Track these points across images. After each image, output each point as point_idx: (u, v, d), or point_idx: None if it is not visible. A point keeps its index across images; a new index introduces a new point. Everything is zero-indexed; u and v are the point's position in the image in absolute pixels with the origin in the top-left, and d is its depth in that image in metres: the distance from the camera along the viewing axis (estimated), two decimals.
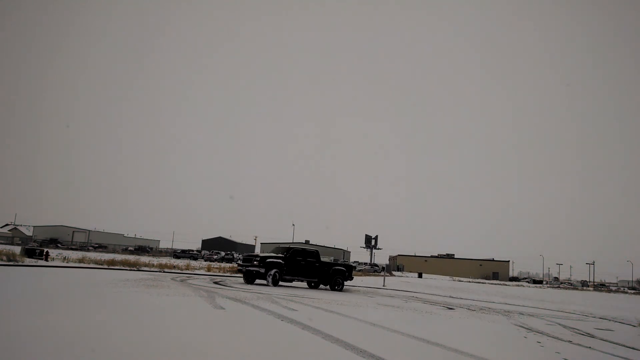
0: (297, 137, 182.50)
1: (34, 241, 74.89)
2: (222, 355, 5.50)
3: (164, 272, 24.25)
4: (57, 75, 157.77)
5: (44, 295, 10.40)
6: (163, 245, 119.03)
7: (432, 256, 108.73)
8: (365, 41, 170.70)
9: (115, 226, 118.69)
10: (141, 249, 76.09)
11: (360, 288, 24.22)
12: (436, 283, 46.32)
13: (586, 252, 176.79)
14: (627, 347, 9.15)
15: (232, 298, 11.98)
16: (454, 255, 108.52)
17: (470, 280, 74.27)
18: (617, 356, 7.87)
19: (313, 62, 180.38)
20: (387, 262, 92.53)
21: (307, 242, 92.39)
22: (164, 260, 40.88)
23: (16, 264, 20.69)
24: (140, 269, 24.85)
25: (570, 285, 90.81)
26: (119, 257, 37.97)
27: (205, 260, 56.69)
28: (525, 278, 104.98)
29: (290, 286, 20.03)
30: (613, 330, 12.30)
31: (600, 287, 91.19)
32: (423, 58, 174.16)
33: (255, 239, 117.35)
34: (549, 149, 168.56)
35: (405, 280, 46.59)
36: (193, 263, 41.50)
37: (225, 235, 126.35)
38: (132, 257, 39.78)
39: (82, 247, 72.76)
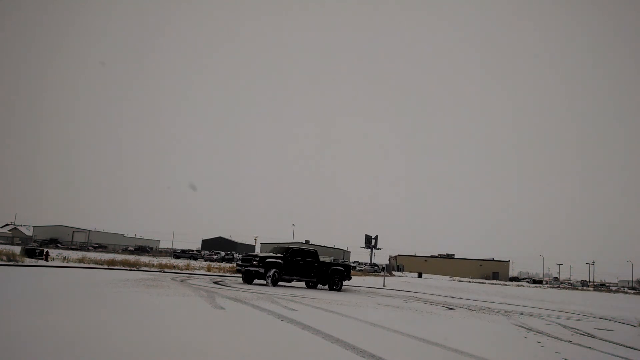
0: (297, 137, 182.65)
1: (34, 241, 74.89)
2: (222, 355, 5.50)
3: (164, 272, 24.25)
4: (57, 75, 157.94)
5: (44, 295, 10.40)
6: (163, 245, 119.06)
7: (432, 256, 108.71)
8: (365, 41, 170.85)
9: (115, 226, 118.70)
10: (141, 249, 76.08)
11: (360, 288, 24.22)
12: (436, 283, 46.32)
13: (586, 252, 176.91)
14: (627, 347, 9.15)
15: (232, 298, 11.98)
16: (454, 255, 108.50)
17: (470, 280, 74.26)
18: (617, 356, 7.87)
19: (313, 62, 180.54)
20: (387, 262, 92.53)
21: (307, 242, 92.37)
22: (164, 260, 40.88)
23: (16, 264, 20.68)
24: (140, 269, 24.85)
25: (570, 285, 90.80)
26: (119, 257, 37.97)
27: (205, 260, 56.68)
28: (525, 278, 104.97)
29: (290, 286, 20.03)
30: (613, 330, 12.30)
31: (600, 287, 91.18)
32: (423, 58, 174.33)
33: (255, 239, 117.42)
34: (549, 149, 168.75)
35: (405, 280, 46.59)
36: (193, 263, 41.50)
37: (225, 235, 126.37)
38: (132, 257, 39.78)
39: (82, 247, 72.75)
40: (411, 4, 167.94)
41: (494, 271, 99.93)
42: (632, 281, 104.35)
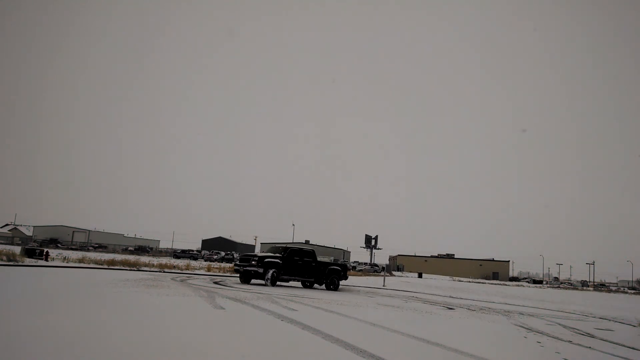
0: (297, 137, 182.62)
1: (34, 241, 74.90)
2: (222, 355, 5.50)
3: (164, 272, 24.25)
4: (57, 75, 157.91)
5: (44, 295, 10.40)
6: (163, 245, 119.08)
7: (432, 256, 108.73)
8: (365, 41, 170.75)
9: (115, 226, 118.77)
10: (141, 249, 76.09)
11: (360, 288, 24.22)
12: (436, 283, 46.33)
13: (586, 252, 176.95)
14: (627, 347, 9.14)
15: (232, 298, 11.98)
16: (454, 255, 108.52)
17: (470, 280, 74.28)
18: (617, 356, 7.87)
19: (313, 62, 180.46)
20: (387, 262, 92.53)
21: (307, 242, 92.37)
22: (164, 260, 40.88)
23: (16, 264, 20.69)
24: (140, 269, 24.86)
25: (570, 285, 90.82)
26: (119, 257, 37.97)
27: (205, 261, 56.68)
28: (525, 278, 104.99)
29: (289, 286, 20.04)
30: (613, 330, 12.30)
31: (600, 287, 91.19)
32: (423, 58, 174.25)
33: (255, 239, 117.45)
34: (549, 149, 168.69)
35: (405, 280, 46.59)
36: (193, 263, 41.50)
37: (225, 235, 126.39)
38: (132, 257, 39.78)
39: (82, 247, 72.76)
40: (411, 4, 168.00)
41: (494, 271, 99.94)
42: (632, 281, 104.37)
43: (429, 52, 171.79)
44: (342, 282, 22.64)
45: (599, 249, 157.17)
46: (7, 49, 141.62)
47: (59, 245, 71.73)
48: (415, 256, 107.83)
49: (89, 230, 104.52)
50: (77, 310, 8.25)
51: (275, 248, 21.25)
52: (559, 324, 12.65)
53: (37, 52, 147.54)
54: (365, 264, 64.76)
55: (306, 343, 6.58)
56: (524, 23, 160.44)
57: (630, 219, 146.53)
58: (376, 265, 62.33)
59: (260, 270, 18.70)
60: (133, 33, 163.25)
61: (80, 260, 26.32)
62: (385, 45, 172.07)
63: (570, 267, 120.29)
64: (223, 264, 43.69)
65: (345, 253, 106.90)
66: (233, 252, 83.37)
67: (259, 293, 14.27)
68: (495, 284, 67.44)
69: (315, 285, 21.59)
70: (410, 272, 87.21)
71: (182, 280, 18.05)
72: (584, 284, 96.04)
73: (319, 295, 15.95)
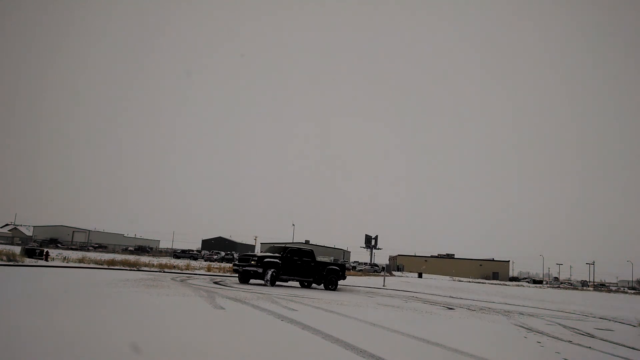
0: (297, 137, 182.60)
1: (34, 241, 74.89)
2: (222, 355, 5.50)
3: (164, 272, 24.25)
4: (57, 75, 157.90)
5: (44, 295, 10.40)
6: (163, 245, 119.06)
7: (432, 256, 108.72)
8: (365, 41, 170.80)
9: (115, 226, 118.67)
10: (141, 249, 76.09)
11: (360, 288, 24.22)
12: (436, 283, 46.33)
13: (586, 252, 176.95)
14: (627, 347, 9.14)
15: (232, 298, 11.98)
16: (454, 255, 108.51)
17: (470, 280, 74.27)
18: (617, 356, 7.87)
19: (313, 62, 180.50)
20: (387, 262, 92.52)
21: (307, 242, 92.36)
22: (164, 260, 40.88)
23: (16, 264, 20.69)
24: (140, 269, 24.86)
25: (570, 285, 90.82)
26: (119, 257, 37.97)
27: (205, 261, 56.68)
28: (525, 278, 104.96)
29: (288, 286, 20.04)
30: (613, 330, 12.30)
31: (600, 287, 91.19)
32: (423, 58, 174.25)
33: (255, 239, 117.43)
34: (549, 149, 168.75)
35: (405, 280, 46.59)
36: (193, 263, 41.51)
37: (225, 235, 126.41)
38: (132, 257, 39.78)
39: (82, 247, 72.76)
40: (411, 4, 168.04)
41: (494, 271, 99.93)
42: (632, 281, 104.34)
43: (429, 52, 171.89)
44: (341, 282, 22.66)
45: (599, 249, 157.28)
46: (7, 49, 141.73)
47: (59, 245, 71.74)
48: (415, 256, 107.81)
49: (89, 230, 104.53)
50: (77, 310, 8.25)
51: (274, 248, 21.25)
52: (559, 324, 12.65)
53: (37, 52, 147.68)
54: (365, 264, 64.76)
55: (306, 343, 6.57)
56: (524, 23, 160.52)
57: (630, 219, 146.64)
58: (376, 265, 62.34)
59: (260, 270, 18.70)
60: (133, 33, 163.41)
61: (80, 260, 26.32)
62: (385, 45, 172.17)
63: (570, 267, 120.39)
64: (223, 264, 43.68)
65: (345, 253, 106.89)
66: (233, 252, 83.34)
67: (258, 293, 14.27)
68: (495, 284, 67.44)
69: (314, 285, 21.59)
70: (410, 272, 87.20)
71: (182, 280, 18.05)
72: (584, 284, 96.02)
73: (319, 295, 15.94)
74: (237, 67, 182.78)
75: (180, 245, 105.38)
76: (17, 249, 29.05)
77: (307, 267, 20.20)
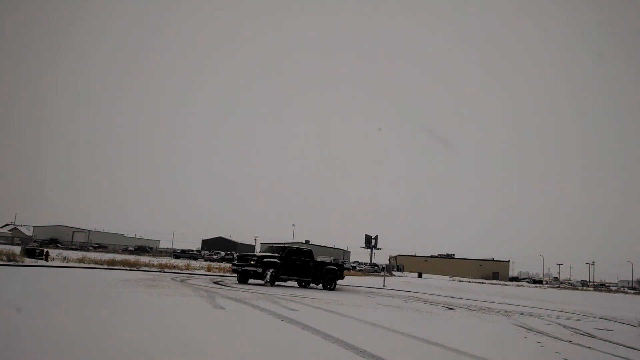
0: (297, 137, 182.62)
1: (34, 241, 74.89)
2: (222, 355, 5.50)
3: (164, 272, 24.26)
4: (57, 75, 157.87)
5: (44, 295, 10.40)
6: (163, 245, 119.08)
7: (432, 256, 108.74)
8: (365, 41, 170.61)
9: (115, 226, 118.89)
10: (141, 249, 76.09)
11: (360, 288, 24.22)
12: (436, 283, 46.34)
13: (586, 252, 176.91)
14: (627, 347, 9.15)
15: (232, 298, 11.98)
16: (454, 255, 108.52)
17: (470, 280, 74.28)
18: (617, 356, 7.87)
19: (313, 62, 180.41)
20: (387, 262, 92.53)
21: (307, 242, 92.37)
22: (164, 260, 40.89)
23: (16, 264, 20.69)
24: (140, 269, 24.86)
25: (570, 285, 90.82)
26: (119, 257, 37.97)
27: (205, 261, 56.69)
28: (525, 278, 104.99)
29: (287, 286, 20.04)
30: (613, 330, 12.30)
31: (600, 287, 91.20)
32: (423, 58, 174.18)
33: (255, 239, 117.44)
34: (549, 149, 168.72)
35: (405, 280, 46.60)
36: (193, 263, 41.51)
37: (225, 235, 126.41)
38: (132, 257, 39.79)
39: (82, 247, 72.76)
40: (411, 4, 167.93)
41: (494, 271, 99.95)
42: (632, 281, 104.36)
43: (429, 52, 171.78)
44: (341, 282, 22.66)
45: (599, 249, 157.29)
46: (7, 49, 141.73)
47: (59, 245, 71.73)
48: (415, 256, 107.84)
49: (89, 230, 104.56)
50: (77, 310, 8.25)
51: (273, 248, 21.23)
52: (559, 324, 12.65)
53: (37, 52, 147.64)
54: (365, 264, 64.78)
55: (306, 343, 6.58)
56: (524, 23, 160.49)
57: (630, 219, 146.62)
58: (376, 265, 62.35)
59: (259, 270, 18.68)
60: (133, 33, 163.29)
61: (80, 260, 26.32)
62: (385, 45, 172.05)
63: (570, 267, 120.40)
64: (223, 264, 43.67)
65: (345, 253, 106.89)
66: (233, 252, 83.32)
67: (258, 293, 14.27)
68: (495, 284, 67.45)
69: (312, 285, 21.58)
70: (410, 272, 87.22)
71: (182, 280, 18.05)
72: (584, 284, 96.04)
73: (319, 295, 15.95)
74: (237, 67, 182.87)
75: (180, 245, 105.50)
76: (17, 249, 29.05)
77: (306, 267, 20.20)
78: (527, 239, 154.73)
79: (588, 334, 10.92)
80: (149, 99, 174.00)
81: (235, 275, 23.31)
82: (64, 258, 28.01)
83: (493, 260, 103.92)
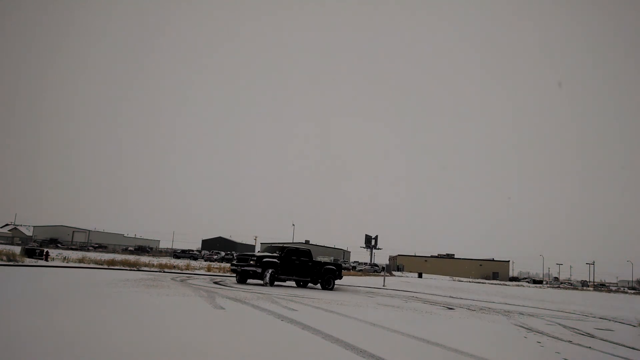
0: (297, 137, 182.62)
1: (34, 241, 74.89)
2: (222, 355, 5.50)
3: (164, 272, 24.25)
4: (57, 75, 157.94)
5: (44, 295, 10.40)
6: (163, 245, 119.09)
7: (432, 256, 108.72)
8: (365, 41, 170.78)
9: (115, 226, 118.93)
10: (141, 249, 76.09)
11: (360, 288, 24.22)
12: (436, 283, 46.33)
13: (586, 252, 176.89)
14: (627, 347, 9.15)
15: (232, 298, 11.98)
16: (454, 255, 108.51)
17: (470, 280, 74.28)
18: (617, 356, 7.87)
19: (313, 62, 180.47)
20: (387, 262, 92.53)
21: (307, 242, 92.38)
22: (164, 260, 40.88)
23: (16, 264, 20.69)
24: (140, 269, 24.86)
25: (570, 285, 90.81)
26: (119, 257, 37.97)
27: (205, 261, 56.68)
28: (525, 278, 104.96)
29: (287, 286, 20.04)
30: (613, 330, 12.30)
31: (600, 287, 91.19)
32: (423, 58, 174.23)
33: (255, 239, 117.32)
34: (549, 149, 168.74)
35: (405, 280, 46.60)
36: (193, 263, 41.51)
37: (225, 235, 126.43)
38: (132, 257, 39.78)
39: (82, 247, 72.75)
40: (411, 4, 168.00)
41: (494, 271, 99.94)
42: (632, 281, 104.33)
43: (429, 52, 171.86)
44: (341, 282, 22.66)
45: (599, 249, 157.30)
46: (7, 49, 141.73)
47: (59, 245, 71.73)
48: (415, 256, 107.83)
49: (89, 230, 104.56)
50: (77, 310, 8.25)
51: (271, 247, 21.21)
52: (559, 324, 12.65)
53: (37, 52, 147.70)
54: (365, 264, 64.77)
55: (306, 343, 6.58)
56: (524, 23, 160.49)
57: (630, 219, 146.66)
58: (376, 265, 62.34)
59: (259, 270, 18.66)
60: (133, 33, 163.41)
61: (80, 260, 26.32)
62: (385, 45, 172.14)
63: (570, 267, 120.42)
64: (223, 264, 43.66)
65: (345, 253, 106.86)
66: (233, 252, 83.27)
67: (258, 293, 14.27)
68: (495, 284, 67.44)
69: (311, 285, 21.57)
70: (410, 272, 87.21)
71: (182, 280, 18.05)
72: (584, 284, 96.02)
73: (319, 295, 15.94)
74: (237, 67, 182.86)
75: (180, 245, 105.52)
76: (17, 249, 29.05)
77: (304, 266, 20.19)
78: (527, 239, 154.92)
79: (588, 334, 10.92)
80: (149, 99, 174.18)
81: (235, 275, 23.33)
82: (64, 258, 28.01)
83: (493, 260, 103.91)
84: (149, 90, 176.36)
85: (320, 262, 21.57)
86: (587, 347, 8.68)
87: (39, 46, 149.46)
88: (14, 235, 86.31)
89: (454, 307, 15.85)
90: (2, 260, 20.99)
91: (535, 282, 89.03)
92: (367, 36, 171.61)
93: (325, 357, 5.84)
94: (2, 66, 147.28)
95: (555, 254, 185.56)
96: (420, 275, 70.03)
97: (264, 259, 18.90)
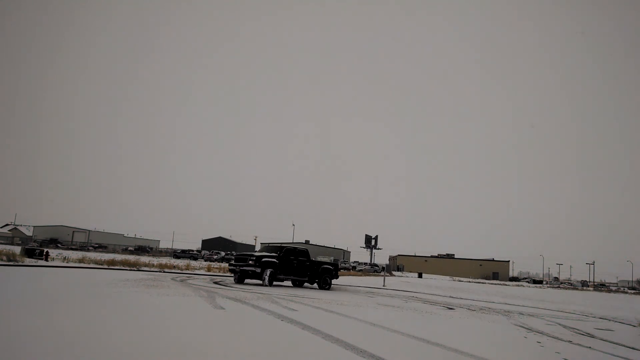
0: (297, 137, 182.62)
1: (34, 241, 74.88)
2: (222, 355, 5.50)
3: (164, 272, 24.25)
4: (57, 75, 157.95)
5: (44, 295, 10.40)
6: (163, 245, 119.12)
7: (432, 256, 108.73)
8: (365, 41, 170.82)
9: (115, 226, 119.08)
10: (141, 249, 76.08)
11: (360, 288, 24.22)
12: (436, 283, 46.33)
13: (586, 252, 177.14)
14: (627, 347, 9.15)
15: (232, 298, 11.98)
16: (454, 255, 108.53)
17: (470, 280, 74.27)
18: (617, 356, 7.87)
19: (313, 62, 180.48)
20: (387, 262, 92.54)
21: (307, 242, 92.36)
22: (164, 260, 40.88)
23: (16, 264, 20.68)
24: (140, 269, 24.85)
25: (570, 285, 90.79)
26: (119, 257, 37.96)
27: (205, 261, 56.69)
28: (525, 278, 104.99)
29: (286, 286, 20.05)
30: (613, 330, 12.30)
31: (600, 287, 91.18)
32: (423, 58, 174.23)
33: (255, 239, 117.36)
34: (549, 149, 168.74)
35: (405, 280, 46.60)
36: (193, 263, 41.51)
37: (225, 235, 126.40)
38: (132, 257, 39.78)
39: (82, 247, 72.75)
40: (411, 4, 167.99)
41: (494, 271, 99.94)
42: (632, 281, 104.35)
43: (429, 52, 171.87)
44: (341, 282, 22.67)
45: (599, 249, 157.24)
46: (7, 49, 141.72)
47: (59, 245, 71.74)
48: (415, 256, 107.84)
49: (89, 230, 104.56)
50: (77, 310, 8.24)
51: (270, 247, 21.20)
52: (559, 324, 12.65)
53: (37, 52, 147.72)
54: (365, 264, 64.77)
55: (306, 343, 6.57)
56: (524, 23, 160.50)
57: (630, 219, 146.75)
58: (376, 265, 62.35)
59: (258, 270, 18.65)
60: (133, 33, 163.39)
61: (80, 260, 26.31)
62: (385, 45, 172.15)
63: (570, 267, 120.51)
64: (223, 264, 43.65)
65: (345, 253, 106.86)
66: (233, 252, 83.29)
67: (258, 293, 14.27)
68: (495, 284, 67.44)
69: (307, 285, 21.56)
70: (410, 272, 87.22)
71: (182, 280, 18.04)
72: (584, 284, 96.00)
73: (319, 295, 15.94)
74: (237, 67, 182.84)
75: (180, 245, 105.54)
76: (17, 249, 29.05)
77: (303, 266, 20.19)
78: (527, 239, 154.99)
79: (588, 334, 10.92)
80: (149, 98, 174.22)
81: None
82: (64, 258, 28.01)
83: (493, 260, 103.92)
84: (149, 90, 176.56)
85: (318, 261, 21.59)
86: (587, 347, 8.68)
87: (39, 46, 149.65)
88: (14, 235, 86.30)
89: (454, 307, 15.85)
90: (2, 260, 20.99)
91: (535, 282, 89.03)
92: (367, 36, 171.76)
93: (325, 357, 5.84)
94: (2, 66, 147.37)
95: (555, 254, 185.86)
96: (420, 275, 70.04)
97: (263, 259, 18.90)
